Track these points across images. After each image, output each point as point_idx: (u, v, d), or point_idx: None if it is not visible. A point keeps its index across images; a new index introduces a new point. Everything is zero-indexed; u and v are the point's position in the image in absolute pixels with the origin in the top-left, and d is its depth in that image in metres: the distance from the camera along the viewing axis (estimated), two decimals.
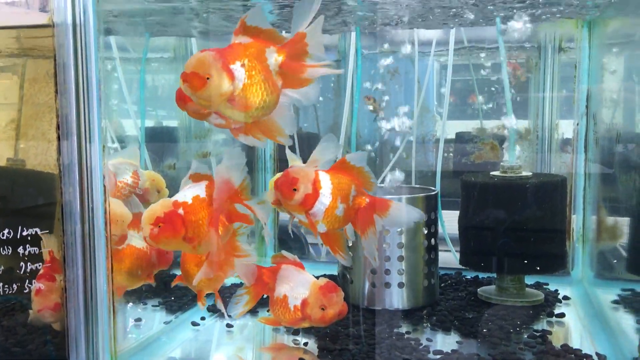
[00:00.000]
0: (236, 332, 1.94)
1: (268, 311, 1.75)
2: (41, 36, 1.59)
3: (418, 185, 2.35)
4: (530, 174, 2.12)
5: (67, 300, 1.51)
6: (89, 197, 1.49)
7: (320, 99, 3.20)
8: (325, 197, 1.52)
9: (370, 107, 2.81)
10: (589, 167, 2.32)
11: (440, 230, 2.31)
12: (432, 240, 2.07)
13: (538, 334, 1.81)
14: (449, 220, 2.45)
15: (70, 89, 1.47)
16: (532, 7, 1.99)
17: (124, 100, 2.47)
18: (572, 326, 1.95)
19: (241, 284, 1.71)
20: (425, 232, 2.05)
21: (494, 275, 2.17)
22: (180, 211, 1.42)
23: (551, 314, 2.00)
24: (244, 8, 1.98)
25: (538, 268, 2.06)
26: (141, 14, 2.06)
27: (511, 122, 2.18)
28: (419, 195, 2.12)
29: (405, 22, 2.22)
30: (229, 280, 2.16)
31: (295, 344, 1.81)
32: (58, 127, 1.48)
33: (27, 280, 1.73)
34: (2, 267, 1.73)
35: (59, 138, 1.48)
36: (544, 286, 2.28)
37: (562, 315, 2.00)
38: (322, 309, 1.62)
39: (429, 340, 1.79)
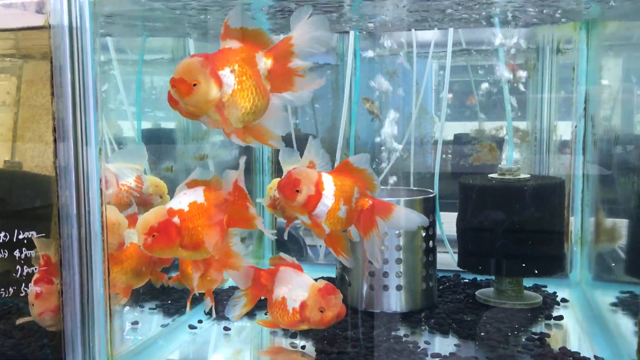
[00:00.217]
0: (233, 335, 1.94)
1: (266, 314, 1.75)
2: (38, 38, 1.59)
3: (416, 188, 2.34)
4: (529, 176, 2.12)
5: (63, 304, 1.50)
6: (85, 200, 1.49)
7: (319, 101, 3.20)
8: (328, 199, 1.52)
9: (368, 108, 2.81)
10: (587, 168, 2.32)
11: (438, 232, 2.31)
12: (430, 243, 2.07)
13: (536, 337, 1.81)
14: (447, 222, 2.45)
15: (67, 92, 1.46)
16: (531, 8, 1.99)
17: (121, 101, 2.46)
18: (570, 329, 1.95)
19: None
20: (424, 234, 2.04)
21: (492, 277, 2.17)
22: (176, 219, 1.41)
23: (549, 317, 2.00)
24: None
25: (536, 270, 2.06)
26: (139, 15, 2.05)
27: (509, 124, 2.18)
28: (417, 198, 2.11)
29: (404, 24, 2.22)
30: (227, 283, 2.16)
31: (292, 346, 1.80)
32: (54, 130, 1.47)
33: (24, 284, 1.72)
34: None
35: (55, 140, 1.47)
36: (542, 289, 2.27)
37: (560, 317, 2.00)
38: (321, 311, 1.61)
39: (427, 343, 1.78)
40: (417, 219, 1.61)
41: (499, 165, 2.15)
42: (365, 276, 2.04)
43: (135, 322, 2.01)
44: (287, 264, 1.71)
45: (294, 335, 1.85)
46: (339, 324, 1.75)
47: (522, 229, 2.01)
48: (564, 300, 2.17)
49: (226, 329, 1.95)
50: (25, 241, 1.73)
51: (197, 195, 1.46)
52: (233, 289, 1.97)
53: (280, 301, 1.66)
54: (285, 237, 1.97)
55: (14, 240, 1.73)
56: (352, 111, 2.36)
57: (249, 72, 1.32)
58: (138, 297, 2.08)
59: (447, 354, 1.69)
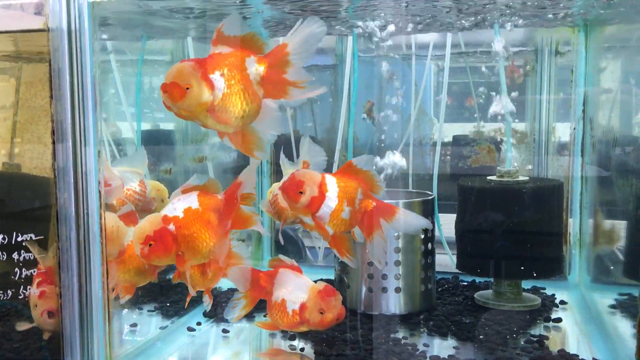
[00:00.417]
0: (232, 337, 1.93)
1: (265, 315, 1.75)
2: (37, 40, 1.59)
3: (415, 190, 2.34)
4: (527, 178, 2.12)
5: (62, 306, 1.50)
6: (84, 202, 1.49)
7: (318, 103, 3.21)
8: (332, 200, 1.52)
9: (365, 112, 2.82)
10: (585, 170, 2.32)
11: (437, 234, 2.31)
12: (429, 245, 2.07)
13: (535, 339, 1.81)
14: (446, 223, 2.45)
15: (66, 94, 1.46)
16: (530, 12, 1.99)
17: (120, 103, 2.46)
18: (569, 331, 1.95)
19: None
20: (422, 236, 2.04)
21: (491, 279, 2.17)
22: (171, 227, 1.41)
23: (548, 319, 2.00)
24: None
25: (535, 273, 2.06)
26: (137, 17, 2.05)
27: (508, 126, 2.18)
28: (415, 200, 2.11)
29: (403, 26, 2.22)
30: (226, 285, 2.16)
31: (291, 349, 1.80)
32: (53, 132, 1.47)
33: (22, 286, 1.72)
34: None
35: (54, 142, 1.47)
36: (541, 291, 2.27)
37: (559, 320, 2.00)
38: (321, 313, 1.61)
39: (425, 345, 1.78)
40: (420, 221, 1.61)
41: (498, 168, 2.16)
42: (364, 278, 2.03)
43: (134, 324, 2.01)
44: (287, 265, 1.71)
45: (292, 338, 1.85)
46: (338, 326, 1.75)
47: (521, 231, 2.01)
48: (562, 302, 2.17)
49: (225, 331, 1.95)
50: (23, 243, 1.73)
51: (192, 200, 1.46)
52: (232, 291, 1.97)
53: (280, 303, 1.65)
54: (280, 237, 1.98)
55: (13, 242, 1.73)
56: (350, 112, 2.36)
57: (238, 77, 1.31)
58: (137, 299, 2.08)
59: (446, 356, 1.69)
